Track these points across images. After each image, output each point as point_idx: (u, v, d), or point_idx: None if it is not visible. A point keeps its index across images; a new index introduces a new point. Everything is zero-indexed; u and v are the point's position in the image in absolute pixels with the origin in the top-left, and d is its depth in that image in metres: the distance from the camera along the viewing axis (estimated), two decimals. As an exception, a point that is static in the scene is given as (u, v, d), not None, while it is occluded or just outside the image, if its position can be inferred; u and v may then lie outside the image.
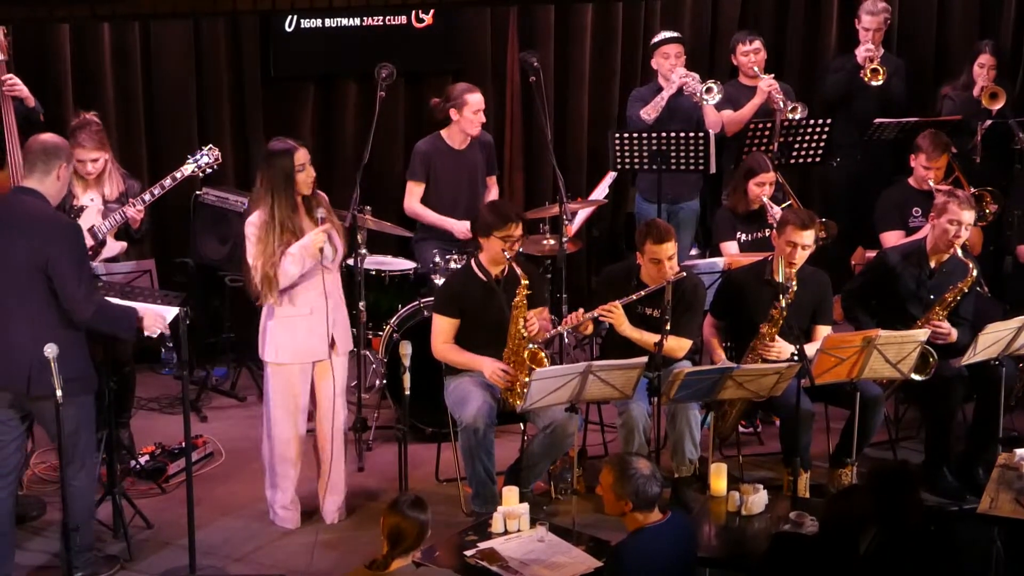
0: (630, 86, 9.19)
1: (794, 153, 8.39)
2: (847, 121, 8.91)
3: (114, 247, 7.21)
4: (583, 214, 8.72)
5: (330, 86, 9.02)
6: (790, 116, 8.38)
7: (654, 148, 8.09)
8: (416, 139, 8.41)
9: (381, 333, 7.75)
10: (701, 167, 8.17)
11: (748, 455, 7.38)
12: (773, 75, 8.66)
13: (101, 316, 5.90)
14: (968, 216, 7.03)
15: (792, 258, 6.85)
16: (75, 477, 5.98)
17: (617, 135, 8.22)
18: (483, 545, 5.81)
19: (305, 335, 6.54)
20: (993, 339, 6.70)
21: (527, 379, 6.52)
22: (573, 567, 5.66)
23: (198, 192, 8.28)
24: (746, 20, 9.72)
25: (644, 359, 6.41)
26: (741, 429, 7.43)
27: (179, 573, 6.31)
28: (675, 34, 8.71)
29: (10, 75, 7.03)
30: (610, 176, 8.75)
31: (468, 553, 5.74)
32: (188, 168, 7.31)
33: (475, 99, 8.02)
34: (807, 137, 8.37)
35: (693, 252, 8.74)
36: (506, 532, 5.93)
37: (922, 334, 6.69)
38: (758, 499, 6.15)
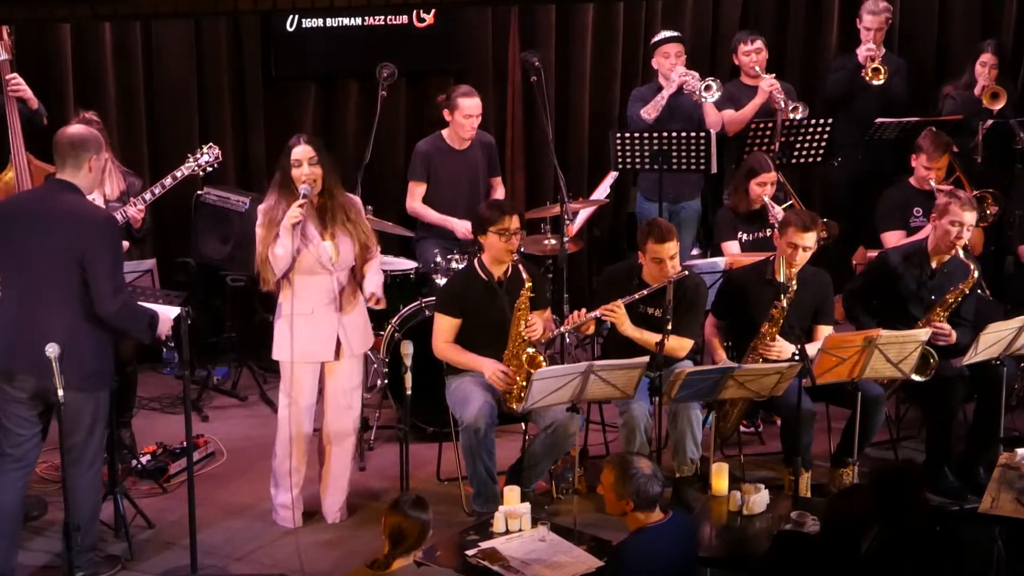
0: (631, 86, 9.19)
1: (795, 153, 8.39)
2: (848, 121, 8.91)
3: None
4: (584, 214, 8.72)
5: (331, 86, 9.03)
6: (791, 116, 8.38)
7: (655, 148, 8.10)
8: (417, 139, 8.41)
9: (382, 333, 7.75)
10: (702, 167, 8.17)
11: (749, 455, 7.38)
12: (774, 75, 8.67)
13: (125, 313, 5.92)
14: (970, 217, 7.03)
15: (793, 259, 6.85)
16: (83, 476, 5.97)
17: (618, 135, 8.22)
18: (484, 545, 5.81)
19: (306, 335, 6.54)
20: (994, 339, 6.70)
21: (524, 383, 6.53)
22: (574, 567, 5.66)
23: (199, 192, 8.29)
24: (747, 20, 9.72)
25: (645, 359, 6.41)
26: (742, 429, 7.43)
27: (180, 573, 6.31)
28: (675, 33, 8.72)
29: (14, 75, 7.04)
30: (611, 176, 8.75)
31: (469, 553, 5.74)
32: (189, 167, 7.31)
33: (467, 104, 8.01)
34: (808, 137, 8.37)
35: (694, 252, 8.74)
36: (507, 532, 5.93)
37: (923, 334, 6.69)
38: (759, 499, 6.15)
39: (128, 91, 8.56)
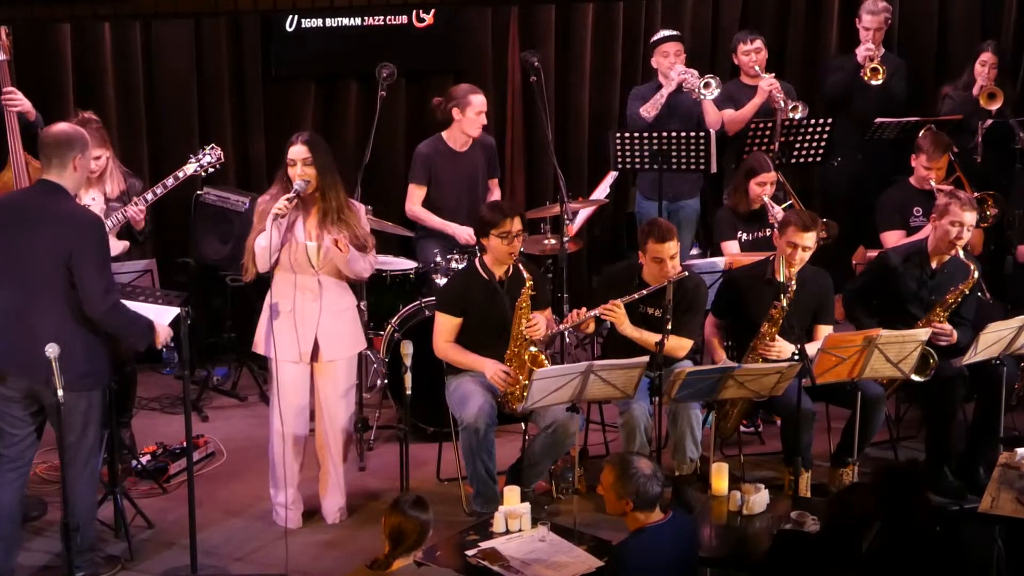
0: (631, 85, 9.19)
1: (795, 153, 8.39)
2: (848, 121, 8.91)
3: (116, 246, 7.20)
4: (584, 214, 8.72)
5: (331, 86, 9.03)
6: (791, 115, 8.38)
7: (655, 147, 8.10)
8: (417, 139, 8.41)
9: (382, 333, 7.75)
10: (702, 167, 8.17)
11: (749, 454, 7.38)
12: (774, 74, 8.67)
13: (116, 315, 5.90)
14: (970, 217, 7.03)
15: (793, 259, 6.85)
16: (78, 476, 5.97)
17: (618, 135, 8.22)
18: (484, 545, 5.81)
19: (282, 332, 6.51)
20: (994, 338, 6.70)
21: (527, 382, 6.53)
22: (574, 567, 5.66)
23: (199, 192, 8.29)
24: (747, 19, 9.72)
25: (645, 359, 6.41)
26: (742, 429, 7.43)
27: (180, 573, 6.31)
28: (674, 32, 8.72)
29: (12, 89, 7.01)
30: (611, 176, 8.75)
31: (469, 553, 5.74)
32: (190, 168, 7.31)
33: (479, 100, 8.02)
34: (808, 137, 8.37)
35: (694, 251, 8.74)
36: (507, 532, 5.93)
37: (923, 334, 6.69)
38: (759, 499, 6.15)
39: (128, 91, 8.56)
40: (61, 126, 6.12)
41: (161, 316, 6.26)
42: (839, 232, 8.06)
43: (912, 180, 8.12)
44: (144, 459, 7.21)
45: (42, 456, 7.08)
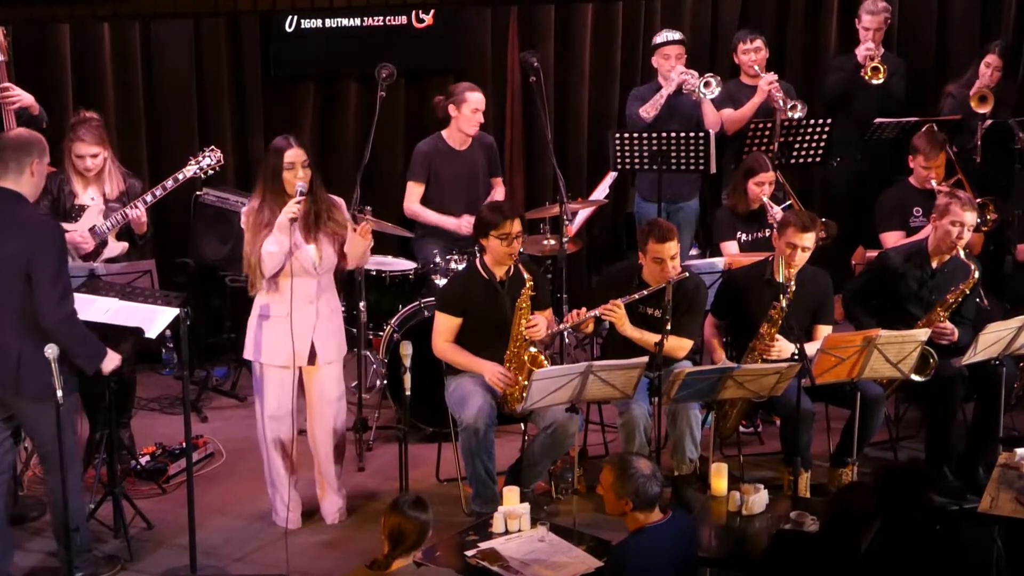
0: (630, 86, 9.19)
1: (794, 153, 8.39)
2: (847, 121, 8.91)
3: (115, 247, 7.21)
4: (583, 214, 8.72)
5: (330, 86, 9.03)
6: (790, 115, 8.38)
7: (654, 148, 8.10)
8: (417, 139, 8.41)
9: (382, 333, 7.75)
10: (701, 167, 8.17)
11: (749, 455, 7.38)
12: (774, 73, 8.66)
13: (69, 327, 5.75)
14: (970, 217, 7.03)
15: (792, 260, 6.84)
16: (60, 484, 5.91)
17: (617, 135, 8.22)
18: (484, 545, 5.81)
19: (279, 337, 6.49)
20: (993, 339, 6.70)
21: (526, 382, 6.53)
22: (574, 567, 5.66)
23: (198, 192, 8.29)
24: (746, 19, 9.72)
25: (645, 359, 6.41)
26: (742, 429, 7.42)
27: (180, 573, 6.31)
28: (677, 36, 8.70)
29: (8, 84, 7.00)
30: (610, 176, 8.75)
31: (469, 553, 5.74)
32: (190, 170, 7.31)
33: (475, 97, 8.02)
34: (807, 137, 8.37)
35: (693, 252, 8.74)
36: (507, 532, 5.92)
37: (923, 334, 6.69)
38: (759, 499, 6.15)
39: (127, 91, 8.57)
40: (19, 131, 6.06)
41: (160, 317, 6.26)
42: (838, 232, 8.06)
43: (912, 180, 8.12)
44: (143, 459, 7.21)
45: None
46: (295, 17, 8.71)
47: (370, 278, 7.80)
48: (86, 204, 7.13)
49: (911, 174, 8.12)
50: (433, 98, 8.36)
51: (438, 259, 7.89)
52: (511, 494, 6.17)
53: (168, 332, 6.42)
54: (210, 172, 7.42)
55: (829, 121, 8.43)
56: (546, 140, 8.06)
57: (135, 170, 7.87)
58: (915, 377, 6.87)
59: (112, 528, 6.57)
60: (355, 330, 7.58)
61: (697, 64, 8.91)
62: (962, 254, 7.06)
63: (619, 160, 8.24)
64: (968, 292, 7.09)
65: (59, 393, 5.55)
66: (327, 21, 8.82)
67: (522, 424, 7.03)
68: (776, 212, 7.70)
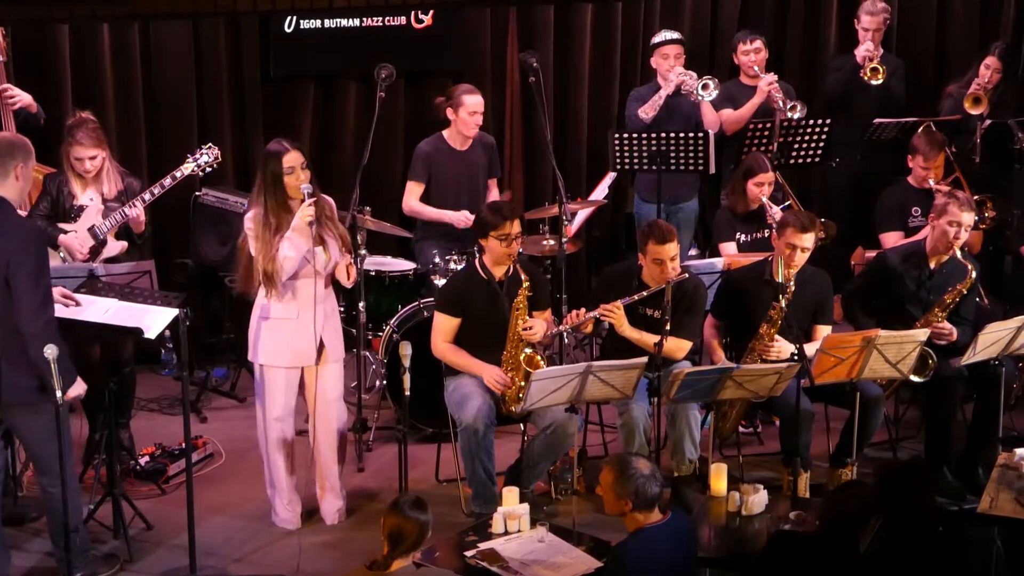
0: (630, 86, 9.19)
1: (793, 153, 8.39)
2: (847, 121, 8.91)
3: (114, 247, 7.21)
4: (583, 214, 8.72)
5: (329, 87, 9.03)
6: (789, 115, 8.37)
7: (653, 148, 8.09)
8: (416, 140, 8.41)
9: (381, 334, 7.75)
10: (700, 167, 8.17)
11: (748, 455, 7.38)
12: (774, 74, 8.66)
13: (47, 336, 5.60)
14: (968, 218, 7.03)
15: (791, 261, 6.84)
16: (52, 485, 5.91)
17: (616, 135, 8.22)
18: (483, 546, 5.81)
19: (289, 339, 6.50)
20: (993, 339, 6.71)
21: (523, 383, 6.53)
22: (573, 567, 5.66)
23: (197, 193, 8.29)
24: (746, 20, 9.72)
25: (644, 359, 6.41)
26: (741, 429, 7.42)
27: (179, 574, 6.31)
28: (676, 35, 8.71)
29: (7, 86, 7.00)
30: (610, 176, 8.75)
31: (468, 554, 5.74)
32: (188, 167, 7.31)
33: (472, 100, 8.01)
34: (806, 137, 8.37)
35: (692, 252, 8.74)
36: (506, 533, 5.92)
37: (922, 334, 6.69)
38: (758, 499, 6.15)
39: (126, 92, 8.56)
40: (3, 135, 6.01)
41: (159, 317, 6.26)
42: (838, 232, 8.06)
43: (910, 180, 8.12)
44: (143, 460, 7.21)
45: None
46: (294, 17, 8.70)
47: (369, 278, 7.80)
48: (85, 204, 7.14)
49: (910, 174, 8.12)
50: (432, 98, 8.36)
51: (437, 259, 7.89)
52: (510, 495, 6.17)
53: (167, 333, 6.42)
54: (208, 169, 7.41)
55: (828, 121, 8.43)
56: (545, 140, 8.06)
57: (134, 170, 7.87)
58: (914, 378, 6.87)
59: (112, 529, 6.57)
60: (354, 331, 7.57)
61: (696, 64, 8.91)
62: (959, 254, 7.06)
63: (618, 160, 8.24)
64: (966, 292, 7.09)
65: (58, 394, 5.53)
66: (326, 21, 8.81)
67: (521, 425, 7.02)
68: (775, 212, 7.70)
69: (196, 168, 7.33)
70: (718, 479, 6.28)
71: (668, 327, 6.64)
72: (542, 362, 6.72)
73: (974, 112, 8.66)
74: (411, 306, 7.69)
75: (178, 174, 7.28)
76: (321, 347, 6.57)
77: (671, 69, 8.53)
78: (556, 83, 9.40)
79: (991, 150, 8.66)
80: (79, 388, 5.87)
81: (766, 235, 7.81)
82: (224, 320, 8.46)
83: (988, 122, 8.67)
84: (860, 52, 8.97)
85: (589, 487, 6.78)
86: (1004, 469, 6.22)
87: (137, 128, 8.60)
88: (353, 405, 7.47)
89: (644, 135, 8.16)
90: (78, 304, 6.33)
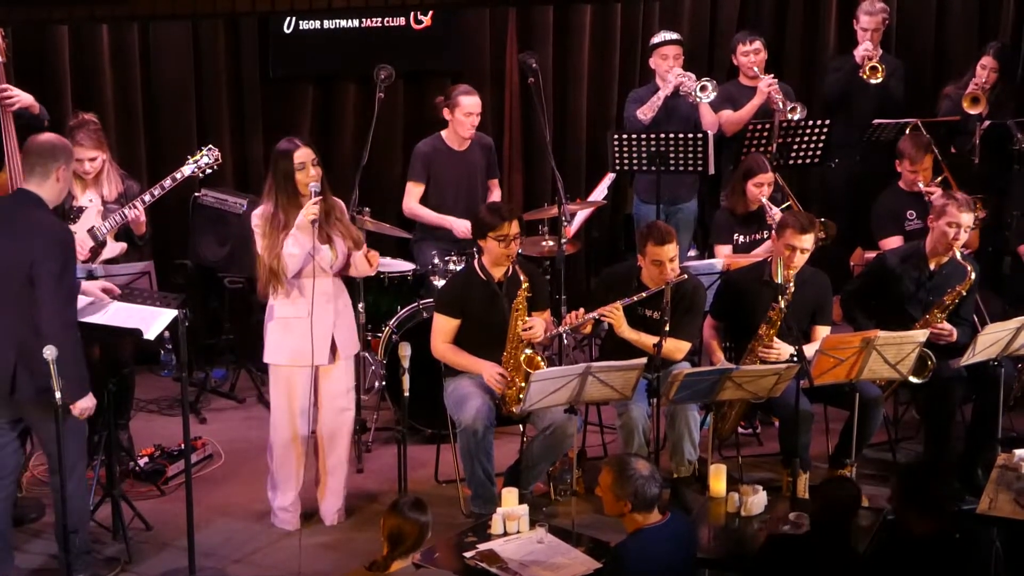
0: (629, 87, 9.19)
1: (792, 154, 8.39)
2: (846, 122, 8.92)
3: (114, 248, 7.20)
4: (582, 215, 8.72)
5: (329, 87, 9.03)
6: (789, 116, 8.37)
7: (653, 149, 8.09)
8: (415, 140, 8.41)
9: (380, 334, 7.75)
10: (700, 168, 8.17)
11: (747, 456, 7.38)
12: (773, 75, 8.66)
13: (67, 341, 5.63)
14: (967, 219, 7.04)
15: (791, 262, 6.84)
16: (64, 483, 5.91)
17: (616, 136, 8.22)
18: (483, 546, 5.81)
19: (301, 338, 6.51)
20: (992, 340, 6.71)
21: (523, 383, 6.53)
22: (573, 568, 5.66)
23: (196, 194, 8.29)
24: (745, 20, 9.73)
25: (643, 360, 6.41)
26: (740, 430, 7.42)
27: (179, 575, 6.31)
28: (675, 36, 8.71)
29: (7, 87, 6.99)
30: (609, 177, 8.75)
31: (468, 554, 5.74)
32: (188, 169, 7.30)
33: (468, 101, 8.01)
34: (806, 138, 8.38)
35: (692, 253, 8.74)
36: (506, 533, 5.92)
37: (921, 335, 6.69)
38: (757, 500, 6.16)
39: (126, 93, 8.56)
40: (47, 136, 6.03)
41: (158, 318, 6.25)
42: (836, 232, 8.06)
43: (901, 184, 8.14)
44: (142, 461, 7.21)
45: (40, 458, 7.09)
46: (293, 18, 8.70)
47: (368, 279, 7.80)
48: (84, 206, 7.13)
49: (900, 178, 8.14)
50: (431, 99, 8.36)
51: (436, 260, 7.89)
52: (510, 495, 6.17)
53: (166, 333, 6.42)
54: (208, 171, 7.41)
55: (827, 122, 8.44)
56: (544, 141, 8.06)
57: (133, 171, 7.87)
58: (913, 379, 6.87)
59: (111, 530, 6.57)
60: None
61: (696, 65, 8.91)
62: (959, 255, 7.06)
63: (618, 161, 8.24)
64: (965, 294, 7.09)
65: (57, 395, 5.54)
66: (325, 22, 8.81)
67: (521, 425, 7.02)
68: (775, 213, 7.70)
69: (196, 170, 7.32)
70: (717, 480, 6.28)
71: (667, 328, 6.64)
72: (542, 363, 6.72)
73: (973, 112, 8.66)
74: (410, 307, 7.69)
75: (178, 175, 7.27)
76: (333, 346, 6.59)
77: (670, 70, 8.53)
78: (555, 84, 9.40)
79: (990, 151, 8.66)
80: (90, 402, 5.85)
81: (765, 237, 7.82)
82: (223, 321, 8.46)
83: (987, 123, 8.67)
84: (859, 52, 8.97)
85: (588, 488, 6.77)
86: (1003, 470, 6.22)
87: (136, 129, 8.60)
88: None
89: (643, 136, 8.16)
90: (119, 293, 6.39)
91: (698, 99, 8.44)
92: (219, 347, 8.53)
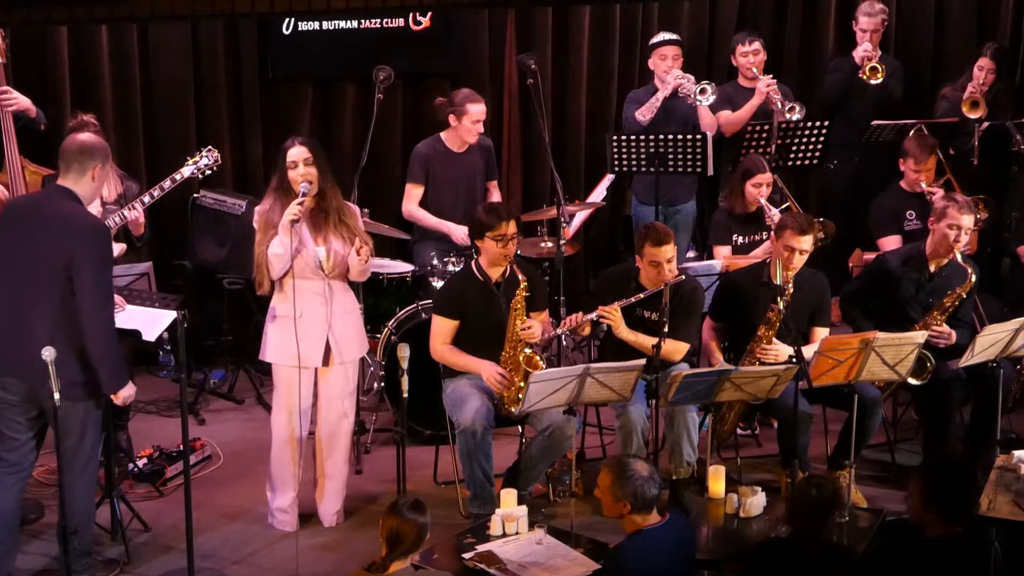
0: (628, 88, 9.18)
1: (791, 155, 8.39)
2: (845, 123, 8.92)
3: (113, 249, 7.19)
4: (581, 216, 8.72)
5: (328, 88, 9.03)
6: (787, 116, 8.37)
7: (652, 150, 8.10)
8: (414, 141, 8.41)
9: (379, 336, 7.75)
10: (698, 169, 8.17)
11: (746, 457, 7.38)
12: (772, 76, 8.66)
13: (103, 337, 5.75)
14: (968, 221, 7.04)
15: (790, 263, 6.84)
16: (75, 481, 5.94)
17: (615, 137, 8.22)
18: (481, 547, 5.80)
19: (290, 338, 6.49)
20: (991, 341, 6.71)
21: (522, 383, 6.52)
22: (571, 569, 5.66)
23: (195, 195, 8.29)
24: (744, 21, 9.73)
25: (642, 361, 6.41)
26: (739, 431, 7.43)
27: (177, 576, 6.32)
28: (673, 36, 8.71)
29: (6, 89, 7.00)
30: (608, 178, 8.75)
31: (466, 556, 5.74)
32: (187, 170, 7.29)
33: (476, 109, 8.00)
34: (804, 139, 8.38)
35: (690, 254, 8.74)
36: (504, 534, 5.92)
37: (920, 336, 6.69)
38: (756, 501, 6.16)
39: (125, 94, 8.56)
40: (87, 136, 6.08)
41: (157, 320, 6.25)
42: (835, 232, 8.06)
43: (903, 184, 8.14)
44: (141, 462, 7.21)
45: (40, 459, 7.06)
46: (292, 19, 8.70)
47: (368, 280, 7.78)
48: (83, 207, 7.12)
49: (902, 178, 8.13)
50: (430, 100, 8.36)
51: (435, 261, 7.88)
52: (509, 496, 6.17)
53: (165, 335, 6.42)
54: (207, 172, 7.39)
55: (826, 123, 8.44)
56: (543, 142, 8.06)
57: (133, 172, 7.87)
58: (912, 380, 6.87)
59: (110, 531, 6.57)
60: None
61: (695, 66, 8.91)
62: (959, 257, 7.06)
63: (616, 162, 8.24)
64: (965, 296, 7.09)
65: (56, 396, 5.55)
66: (324, 23, 8.81)
67: (520, 426, 7.02)
68: (774, 214, 7.70)
69: (195, 171, 7.31)
70: (716, 481, 6.28)
71: (666, 329, 6.64)
72: (542, 363, 6.72)
73: (972, 116, 8.66)
74: (409, 308, 7.69)
75: (177, 177, 7.26)
76: (328, 349, 6.57)
77: (669, 70, 8.53)
78: (554, 85, 9.39)
79: (988, 152, 8.66)
80: (130, 390, 5.97)
81: (764, 238, 7.82)
82: (222, 322, 8.45)
83: (986, 124, 8.68)
84: (859, 52, 8.98)
85: (587, 489, 6.77)
86: (1002, 471, 6.22)
87: (135, 130, 8.60)
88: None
89: (642, 137, 8.15)
90: (122, 308, 6.47)
91: (698, 102, 8.44)
92: (218, 348, 8.53)
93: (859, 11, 9.09)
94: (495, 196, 8.33)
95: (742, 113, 8.63)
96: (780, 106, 8.41)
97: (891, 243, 7.98)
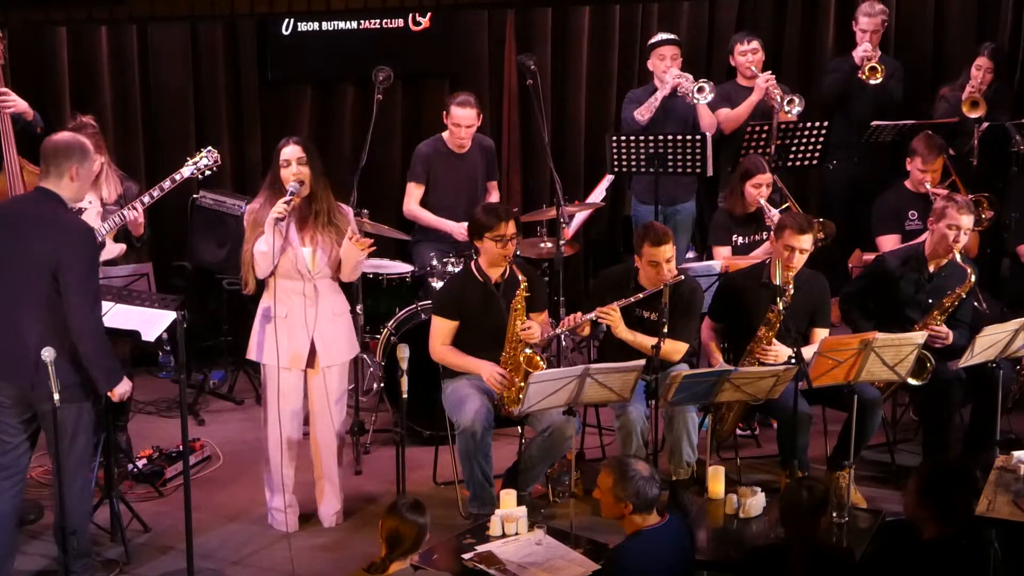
0: (627, 89, 9.18)
1: (791, 155, 8.39)
2: (844, 123, 8.92)
3: (113, 249, 7.21)
4: (580, 217, 8.72)
5: (327, 89, 9.03)
6: (787, 109, 8.35)
7: (651, 151, 8.10)
8: (414, 142, 8.41)
9: (379, 336, 7.75)
10: (698, 170, 8.17)
11: (746, 458, 7.38)
12: (771, 72, 8.65)
13: (94, 338, 5.77)
14: (967, 221, 7.04)
15: (790, 263, 6.85)
16: (70, 484, 5.94)
17: (614, 138, 8.23)
18: (481, 548, 5.81)
19: (280, 339, 6.48)
20: (990, 341, 6.70)
21: (522, 383, 6.52)
22: (571, 570, 5.66)
23: (195, 195, 8.29)
24: (743, 21, 9.74)
25: (642, 362, 6.41)
26: (739, 432, 7.43)
27: (177, 576, 6.32)
28: (672, 36, 8.72)
29: (5, 91, 7.00)
30: (607, 179, 8.75)
31: (466, 556, 5.74)
32: (187, 171, 7.29)
33: (458, 112, 7.98)
34: (804, 139, 8.38)
35: (690, 255, 8.74)
36: (504, 535, 5.92)
37: (919, 337, 6.69)
38: (756, 502, 6.15)
39: (124, 94, 8.56)
40: (62, 135, 6.05)
41: (157, 320, 6.25)
42: (835, 232, 8.06)
43: (907, 183, 8.13)
44: (140, 463, 7.21)
45: (38, 460, 7.08)
46: (292, 20, 8.70)
47: (367, 281, 7.81)
48: (84, 207, 7.12)
49: (907, 177, 8.13)
50: (429, 101, 8.38)
51: (435, 262, 7.89)
52: (508, 497, 6.17)
53: (165, 335, 6.41)
54: (207, 173, 7.40)
55: (826, 124, 8.44)
56: (543, 143, 8.07)
57: (132, 173, 7.86)
58: (912, 380, 6.87)
59: (109, 532, 6.57)
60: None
61: (694, 66, 8.92)
62: (959, 258, 7.06)
63: (616, 163, 8.24)
64: (964, 296, 7.09)
65: (55, 396, 5.55)
66: (324, 24, 8.81)
67: (519, 427, 7.02)
68: (774, 215, 7.70)
69: (195, 172, 7.31)
70: (716, 482, 6.28)
71: (665, 329, 6.64)
72: (542, 363, 6.72)
73: (972, 116, 8.66)
74: (409, 308, 7.69)
75: (177, 177, 7.26)
76: (313, 351, 6.56)
77: (667, 70, 8.53)
78: (554, 85, 9.40)
79: (988, 152, 8.66)
80: (126, 386, 5.98)
81: (763, 238, 7.82)
82: (222, 323, 8.46)
83: (986, 125, 8.68)
84: (858, 53, 8.98)
85: (587, 490, 6.76)
86: (1001, 472, 6.21)
87: (135, 131, 8.60)
88: (351, 408, 7.46)
89: (642, 138, 8.16)
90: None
91: (696, 100, 8.44)
92: (218, 349, 8.53)
93: (859, 11, 9.09)
94: (495, 196, 8.33)
95: (741, 110, 8.63)
96: (779, 101, 8.40)
97: (889, 241, 7.98)
